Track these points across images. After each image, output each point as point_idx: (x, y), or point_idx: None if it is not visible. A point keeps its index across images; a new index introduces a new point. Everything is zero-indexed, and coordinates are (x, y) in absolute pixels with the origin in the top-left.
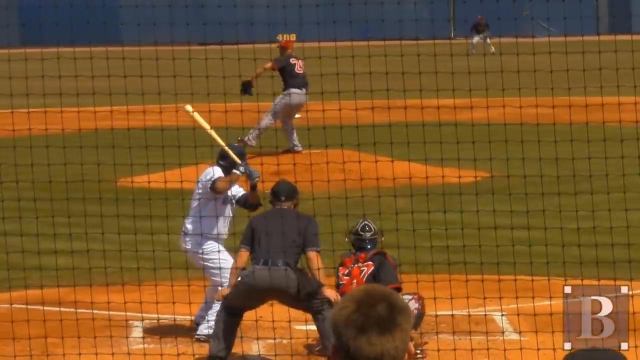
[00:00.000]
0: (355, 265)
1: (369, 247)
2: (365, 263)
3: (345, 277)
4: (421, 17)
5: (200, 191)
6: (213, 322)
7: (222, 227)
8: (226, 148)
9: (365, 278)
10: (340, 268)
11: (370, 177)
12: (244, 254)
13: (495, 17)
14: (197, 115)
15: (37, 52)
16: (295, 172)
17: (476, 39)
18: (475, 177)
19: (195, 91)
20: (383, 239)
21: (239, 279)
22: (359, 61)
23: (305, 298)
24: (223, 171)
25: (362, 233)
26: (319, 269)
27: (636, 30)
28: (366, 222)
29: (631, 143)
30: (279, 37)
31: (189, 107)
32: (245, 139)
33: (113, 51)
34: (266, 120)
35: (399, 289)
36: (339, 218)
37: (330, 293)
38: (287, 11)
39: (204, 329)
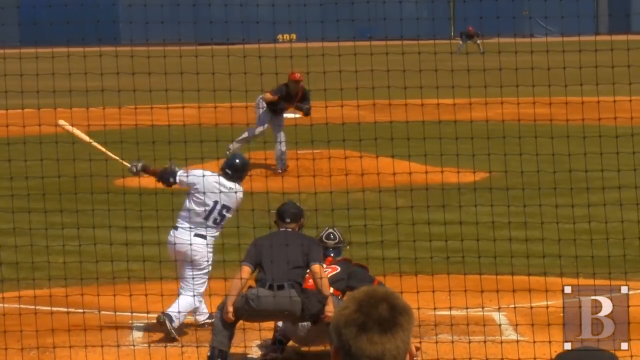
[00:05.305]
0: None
1: (332, 255)
2: (331, 266)
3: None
4: (422, 16)
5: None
6: (200, 313)
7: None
8: (119, 160)
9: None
10: None
11: (371, 172)
12: (246, 270)
13: (494, 16)
14: (74, 130)
15: (48, 52)
16: (297, 169)
17: (462, 44)
18: (474, 173)
19: (202, 88)
20: (349, 247)
21: (246, 298)
22: (361, 59)
23: (310, 319)
24: (228, 179)
25: (326, 241)
26: (322, 278)
27: (635, 30)
28: (331, 231)
29: (627, 140)
30: (279, 37)
31: (62, 122)
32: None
33: (121, 50)
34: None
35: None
36: (340, 213)
37: (329, 315)
38: (291, 10)
39: (205, 318)
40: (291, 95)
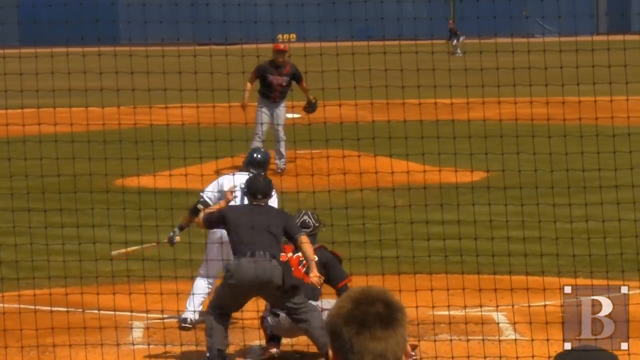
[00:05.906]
0: (295, 255)
1: None
2: None
3: None
4: (420, 15)
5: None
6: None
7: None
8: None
9: (304, 269)
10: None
11: (370, 172)
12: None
13: (492, 16)
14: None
15: (47, 52)
16: (296, 168)
17: (455, 41)
18: (472, 172)
19: (200, 88)
20: (325, 228)
21: (227, 274)
22: (359, 59)
23: (290, 291)
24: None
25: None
26: (305, 243)
27: (635, 30)
28: (305, 218)
29: (624, 139)
30: (279, 37)
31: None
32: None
33: (120, 50)
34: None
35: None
36: (338, 213)
37: (314, 279)
38: (289, 10)
39: (189, 314)
40: (277, 65)
